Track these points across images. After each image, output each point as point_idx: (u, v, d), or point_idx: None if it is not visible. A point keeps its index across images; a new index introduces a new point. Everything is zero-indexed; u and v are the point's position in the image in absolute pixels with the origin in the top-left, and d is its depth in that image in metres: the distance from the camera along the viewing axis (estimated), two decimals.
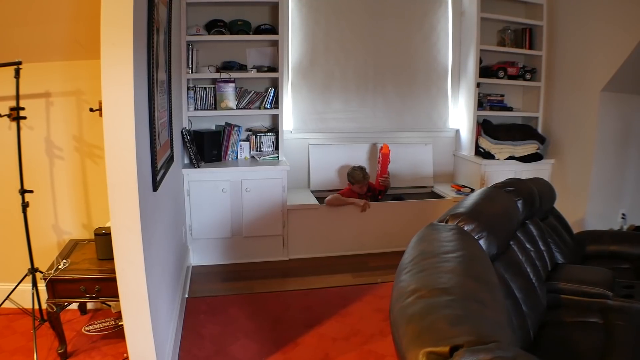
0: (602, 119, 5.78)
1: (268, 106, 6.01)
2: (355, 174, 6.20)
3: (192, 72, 5.68)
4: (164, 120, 3.90)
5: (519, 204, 3.77)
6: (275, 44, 5.97)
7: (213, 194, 5.55)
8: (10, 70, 3.68)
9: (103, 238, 3.77)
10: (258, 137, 6.12)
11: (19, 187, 3.87)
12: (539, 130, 6.74)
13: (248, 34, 5.85)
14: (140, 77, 2.93)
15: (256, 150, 6.12)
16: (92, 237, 4.06)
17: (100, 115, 2.71)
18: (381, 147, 6.48)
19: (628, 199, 6.22)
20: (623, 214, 6.16)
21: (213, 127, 6.11)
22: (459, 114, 6.94)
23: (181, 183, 5.37)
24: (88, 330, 4.18)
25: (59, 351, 3.76)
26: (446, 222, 2.98)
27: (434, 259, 2.27)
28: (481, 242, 2.86)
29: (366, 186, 6.28)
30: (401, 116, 6.79)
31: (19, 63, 3.68)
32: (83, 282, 3.65)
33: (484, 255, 2.63)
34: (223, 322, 4.39)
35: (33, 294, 4.01)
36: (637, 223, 6.18)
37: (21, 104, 3.79)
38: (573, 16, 6.13)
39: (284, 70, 6.07)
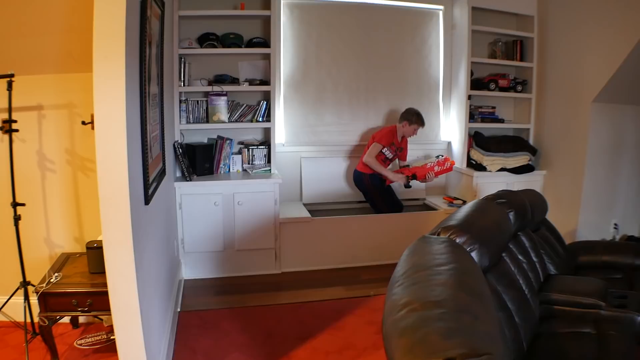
0: (593, 129, 5.81)
1: (260, 119, 6.01)
2: (421, 117, 6.28)
3: (184, 85, 5.69)
4: (156, 133, 3.90)
5: (511, 215, 3.78)
6: (267, 57, 5.98)
7: (205, 207, 5.55)
8: (3, 82, 3.68)
9: (95, 252, 3.76)
10: (250, 150, 6.11)
11: (11, 200, 3.85)
12: (531, 141, 6.78)
13: (240, 47, 5.87)
14: (133, 90, 2.93)
15: (248, 164, 6.12)
16: (84, 250, 4.05)
17: (92, 128, 2.71)
18: (451, 162, 6.44)
19: (620, 209, 6.24)
20: (615, 224, 6.18)
21: (205, 141, 6.10)
22: (450, 126, 6.97)
23: (173, 196, 5.36)
24: (80, 344, 4.16)
25: None
26: (438, 234, 2.98)
27: (426, 272, 2.27)
28: (473, 254, 2.86)
29: (414, 133, 6.30)
30: None
31: (12, 75, 3.68)
32: (75, 296, 3.64)
33: (476, 267, 2.63)
34: (215, 336, 4.37)
35: (25, 307, 3.99)
36: (629, 233, 6.21)
37: (13, 117, 3.79)
38: (564, 28, 6.17)
39: (276, 84, 6.09)
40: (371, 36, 6.61)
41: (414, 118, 6.23)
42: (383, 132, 6.24)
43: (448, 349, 1.62)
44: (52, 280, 3.70)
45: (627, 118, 6.03)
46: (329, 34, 6.47)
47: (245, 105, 6.01)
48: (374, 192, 6.35)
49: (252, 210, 5.67)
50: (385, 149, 6.22)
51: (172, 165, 5.33)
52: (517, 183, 6.29)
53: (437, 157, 6.46)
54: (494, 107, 6.93)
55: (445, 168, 6.36)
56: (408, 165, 6.48)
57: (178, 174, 5.67)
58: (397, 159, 6.51)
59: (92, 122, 2.74)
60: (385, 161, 6.31)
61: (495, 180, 6.38)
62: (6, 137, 3.85)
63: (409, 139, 6.50)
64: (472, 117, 6.72)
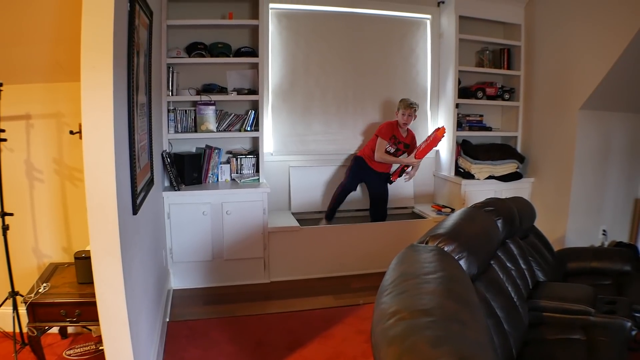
0: (580, 136, 5.86)
1: (248, 129, 6.01)
2: (405, 99, 6.25)
3: (172, 94, 5.68)
4: (144, 143, 3.90)
5: (499, 223, 3.79)
6: (255, 66, 5.99)
7: (194, 217, 5.53)
8: None
9: (83, 262, 3.74)
10: (238, 159, 6.11)
11: None
12: (518, 149, 6.81)
13: (228, 56, 5.87)
14: (120, 100, 2.93)
15: (237, 173, 6.11)
16: (72, 260, 4.03)
17: (80, 138, 2.70)
18: (436, 133, 6.19)
19: (608, 215, 6.28)
20: (604, 230, 6.21)
21: (193, 150, 6.10)
22: None
23: (161, 206, 5.34)
24: (69, 355, 4.13)
25: None
26: (426, 243, 2.99)
27: (415, 281, 2.27)
28: (461, 262, 2.87)
29: (411, 118, 6.23)
30: None
31: (0, 85, 3.66)
32: (63, 306, 3.62)
33: (464, 275, 2.64)
34: (204, 346, 4.36)
35: (14, 317, 3.96)
36: (618, 239, 6.24)
37: (1, 126, 3.77)
38: (551, 36, 6.22)
39: (264, 93, 6.10)
40: (359, 45, 6.64)
41: (398, 104, 6.28)
42: (382, 126, 6.29)
43: (437, 357, 1.63)
44: (40, 290, 3.68)
45: (614, 125, 6.07)
46: (317, 43, 6.49)
47: (233, 114, 6.00)
48: (350, 173, 6.48)
49: (241, 220, 5.66)
50: (386, 143, 6.24)
51: (160, 174, 5.32)
52: (505, 191, 6.32)
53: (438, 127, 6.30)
54: (481, 115, 6.96)
55: (429, 141, 6.19)
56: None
57: (166, 183, 5.66)
58: (405, 154, 6.46)
59: (79, 132, 2.72)
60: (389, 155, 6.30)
61: (483, 188, 6.41)
62: None
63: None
64: (459, 125, 6.75)
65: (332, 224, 6.33)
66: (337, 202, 6.47)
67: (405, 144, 6.37)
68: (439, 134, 6.10)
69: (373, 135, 6.34)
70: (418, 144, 6.38)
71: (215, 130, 5.88)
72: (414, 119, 6.31)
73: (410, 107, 6.17)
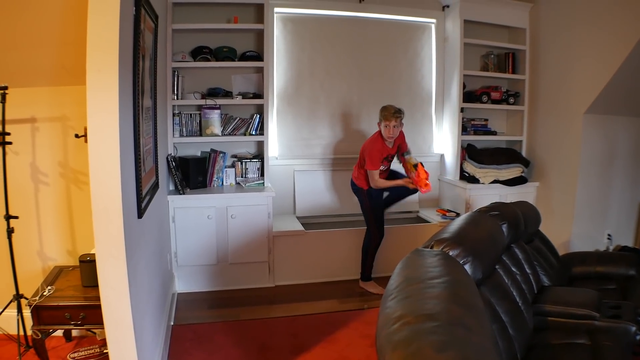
0: (585, 140, 5.84)
1: (253, 132, 6.01)
2: (387, 107, 5.39)
3: (177, 98, 5.69)
4: (149, 146, 3.90)
5: (504, 227, 3.78)
6: (260, 70, 6.00)
7: (198, 221, 5.54)
8: None
9: (88, 265, 3.75)
10: (243, 163, 6.11)
11: (4, 212, 3.84)
12: (523, 153, 6.80)
13: (233, 60, 5.87)
14: (126, 103, 2.93)
15: (242, 177, 6.11)
16: (77, 263, 4.04)
17: (86, 141, 2.71)
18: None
19: (613, 219, 6.26)
20: (609, 235, 6.19)
21: (198, 154, 6.10)
22: (443, 138, 6.98)
23: (166, 209, 5.35)
24: (73, 358, 4.13)
25: None
26: (431, 247, 2.98)
27: (420, 285, 2.27)
28: (466, 267, 2.86)
29: (397, 129, 5.38)
30: None
31: (5, 88, 3.67)
32: (68, 309, 3.63)
33: (469, 280, 2.63)
34: (209, 350, 4.35)
35: (18, 320, 3.96)
36: (623, 243, 6.22)
37: (7, 129, 3.78)
38: (555, 40, 6.21)
39: (269, 97, 6.11)
40: (364, 49, 6.64)
41: (379, 115, 5.47)
42: (369, 154, 5.46)
43: None
44: (45, 293, 3.69)
45: (619, 129, 6.06)
46: (322, 48, 6.49)
47: (238, 118, 6.00)
48: (368, 207, 5.79)
49: (246, 224, 5.67)
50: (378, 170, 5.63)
51: (165, 178, 5.32)
52: (510, 195, 6.30)
53: (415, 165, 5.57)
54: (486, 120, 6.95)
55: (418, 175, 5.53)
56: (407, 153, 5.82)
57: (171, 187, 5.67)
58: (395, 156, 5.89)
59: (85, 135, 2.73)
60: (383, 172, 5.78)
61: (488, 192, 6.39)
62: None
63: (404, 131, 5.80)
64: (464, 129, 6.74)
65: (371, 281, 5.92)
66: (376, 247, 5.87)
67: (392, 155, 5.76)
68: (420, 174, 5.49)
69: (360, 159, 5.72)
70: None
71: (220, 134, 5.89)
72: (401, 128, 5.55)
73: (394, 117, 5.32)
